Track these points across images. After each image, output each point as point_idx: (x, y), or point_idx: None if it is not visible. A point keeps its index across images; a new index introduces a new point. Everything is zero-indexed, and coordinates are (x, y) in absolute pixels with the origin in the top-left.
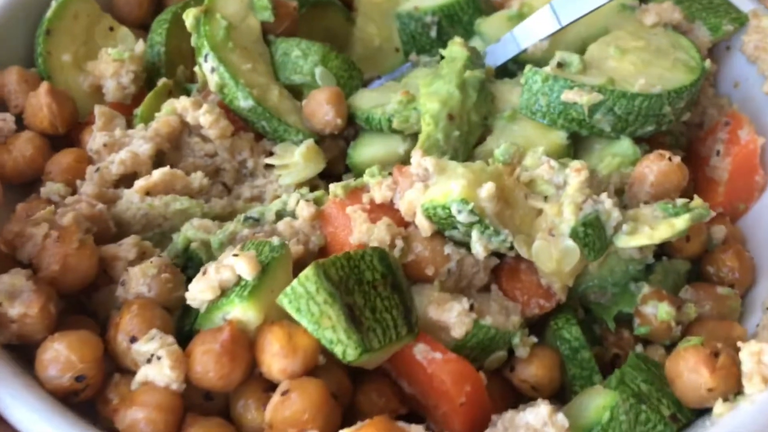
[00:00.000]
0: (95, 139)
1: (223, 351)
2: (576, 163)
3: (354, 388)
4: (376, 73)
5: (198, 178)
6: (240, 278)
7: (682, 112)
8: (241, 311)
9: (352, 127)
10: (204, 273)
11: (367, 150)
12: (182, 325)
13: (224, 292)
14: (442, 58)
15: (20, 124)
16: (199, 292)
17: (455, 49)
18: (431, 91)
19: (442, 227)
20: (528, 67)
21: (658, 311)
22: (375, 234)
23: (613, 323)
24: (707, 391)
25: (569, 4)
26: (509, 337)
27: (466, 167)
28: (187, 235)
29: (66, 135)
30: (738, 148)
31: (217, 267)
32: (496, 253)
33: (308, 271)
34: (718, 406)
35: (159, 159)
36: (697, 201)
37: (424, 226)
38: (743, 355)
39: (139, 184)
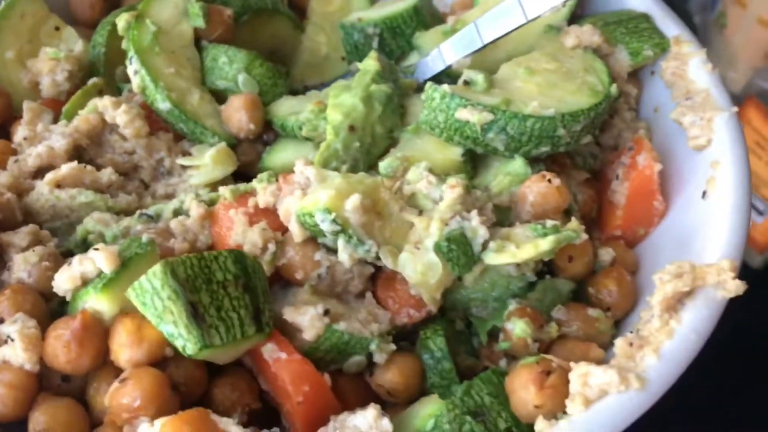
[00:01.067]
0: (19, 132)
1: (73, 338)
2: (452, 180)
3: (211, 380)
4: (320, 81)
5: (107, 174)
6: (101, 271)
7: (580, 135)
8: (96, 302)
9: (273, 132)
10: (69, 264)
11: (280, 155)
12: (63, 311)
13: (85, 282)
14: None
15: None
16: (62, 281)
17: (368, 62)
18: (337, 102)
19: (315, 234)
20: (428, 84)
21: (515, 328)
22: (249, 237)
23: (485, 337)
24: (534, 407)
25: (492, 23)
26: (366, 343)
27: (345, 178)
28: (87, 227)
29: (2, 128)
30: (635, 173)
31: (81, 259)
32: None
33: (156, 268)
34: (539, 423)
35: (79, 154)
36: (572, 224)
37: (296, 232)
38: (572, 376)
39: (49, 176)
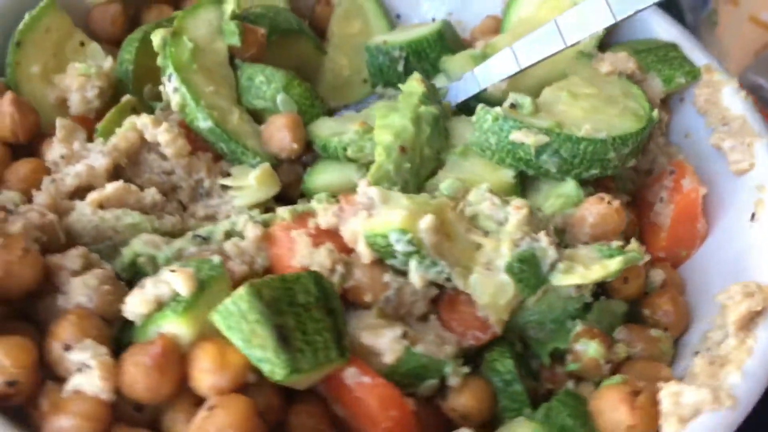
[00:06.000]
0: (54, 151)
1: (153, 364)
2: (517, 202)
3: (287, 408)
4: (343, 103)
5: (151, 194)
6: (177, 294)
7: (627, 159)
8: (175, 326)
9: (311, 154)
10: (142, 287)
11: (323, 177)
12: (123, 337)
13: (160, 306)
14: None
15: None
16: (135, 305)
17: (412, 84)
18: (386, 123)
19: (383, 256)
20: (480, 106)
21: (588, 349)
22: (316, 258)
23: (548, 359)
24: (627, 428)
25: (528, 48)
26: (441, 366)
27: (410, 199)
28: (135, 250)
29: (29, 146)
30: (680, 197)
31: (155, 281)
32: (437, 284)
33: (242, 290)
34: None
35: (117, 173)
36: (633, 245)
37: (364, 254)
38: (663, 396)
39: (92, 196)
